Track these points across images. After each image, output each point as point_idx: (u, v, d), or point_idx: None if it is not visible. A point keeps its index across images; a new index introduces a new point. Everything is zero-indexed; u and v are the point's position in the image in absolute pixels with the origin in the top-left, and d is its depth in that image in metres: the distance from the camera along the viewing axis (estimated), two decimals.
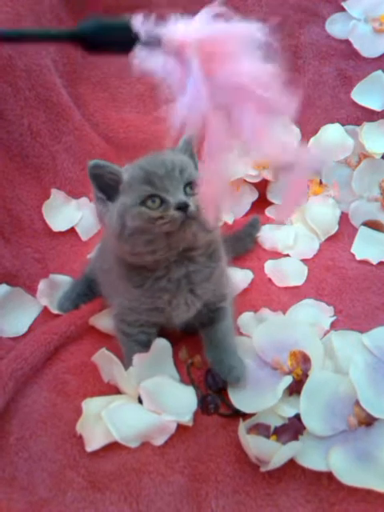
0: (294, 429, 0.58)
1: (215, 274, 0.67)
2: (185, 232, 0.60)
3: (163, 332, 0.71)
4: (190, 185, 0.61)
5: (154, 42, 0.39)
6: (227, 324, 0.71)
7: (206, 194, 0.48)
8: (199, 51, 0.39)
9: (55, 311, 0.82)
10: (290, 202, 0.53)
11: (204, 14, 0.40)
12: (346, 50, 1.02)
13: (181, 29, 0.39)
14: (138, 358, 0.67)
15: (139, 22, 0.39)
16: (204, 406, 0.64)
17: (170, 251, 0.62)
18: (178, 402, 0.65)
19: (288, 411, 0.61)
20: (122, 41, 0.39)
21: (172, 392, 0.65)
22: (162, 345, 0.69)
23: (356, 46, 1.02)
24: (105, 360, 0.69)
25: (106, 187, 0.62)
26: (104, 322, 0.78)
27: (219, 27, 0.39)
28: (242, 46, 0.39)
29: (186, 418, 0.63)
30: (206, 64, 0.39)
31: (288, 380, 0.63)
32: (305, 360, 0.64)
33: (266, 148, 0.44)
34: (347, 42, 1.02)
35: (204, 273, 0.66)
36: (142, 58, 0.39)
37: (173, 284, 0.65)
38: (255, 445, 0.57)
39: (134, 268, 0.65)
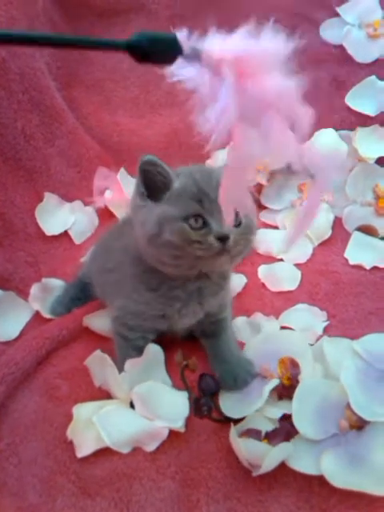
0: (285, 433, 0.58)
1: (223, 290, 0.68)
2: (215, 260, 0.60)
3: (159, 335, 0.71)
4: (236, 215, 0.60)
5: (195, 55, 0.43)
6: (229, 334, 0.72)
7: (226, 199, 0.50)
8: (233, 67, 0.43)
9: (47, 315, 0.82)
10: (303, 226, 0.54)
11: (241, 33, 0.43)
12: (340, 55, 1.03)
13: (218, 45, 0.43)
14: (130, 363, 0.67)
15: (183, 36, 0.43)
16: (197, 408, 0.64)
17: (193, 270, 0.62)
18: (170, 407, 0.64)
19: (276, 413, 0.61)
20: (168, 52, 0.43)
21: (164, 397, 0.65)
22: (154, 350, 0.69)
23: (350, 51, 1.02)
24: (98, 363, 0.69)
25: (152, 185, 0.60)
26: (99, 322, 0.77)
27: (253, 45, 0.43)
28: (270, 63, 0.43)
29: (178, 424, 0.62)
30: (238, 78, 0.43)
31: (274, 382, 0.63)
32: (293, 365, 0.64)
33: (288, 158, 0.47)
34: (341, 47, 1.03)
35: (214, 289, 0.66)
36: (178, 67, 0.43)
37: (186, 294, 0.65)
38: (247, 448, 0.56)
39: (151, 271, 0.64)
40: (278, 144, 0.45)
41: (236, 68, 0.42)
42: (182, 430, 0.63)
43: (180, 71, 0.43)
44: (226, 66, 0.42)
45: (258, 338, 0.72)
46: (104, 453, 0.62)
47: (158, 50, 0.43)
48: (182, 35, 0.42)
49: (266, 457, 0.54)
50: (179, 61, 0.43)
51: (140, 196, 0.61)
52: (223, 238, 0.58)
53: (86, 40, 0.46)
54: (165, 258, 0.60)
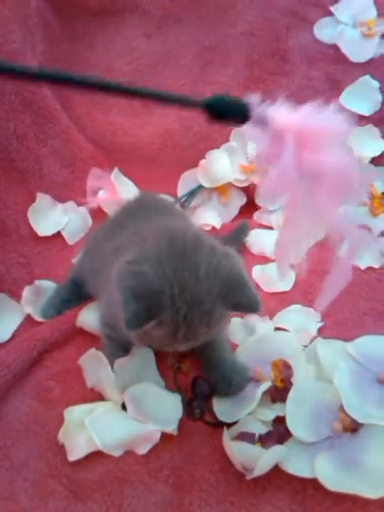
0: (278, 436, 0.58)
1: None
2: None
3: None
4: None
5: (262, 121, 0.47)
6: (222, 339, 0.69)
7: (281, 256, 0.55)
8: (296, 136, 0.46)
9: (39, 319, 0.81)
10: (335, 290, 0.59)
11: (307, 108, 0.48)
12: (334, 54, 1.02)
13: (284, 114, 0.47)
14: (118, 364, 0.66)
15: (255, 101, 0.47)
16: (189, 411, 0.63)
17: None
18: (163, 410, 0.64)
19: (269, 414, 0.61)
20: (239, 114, 0.48)
21: (157, 400, 0.65)
22: (143, 351, 0.68)
23: (344, 50, 1.02)
24: (92, 362, 0.68)
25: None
26: (92, 321, 0.76)
27: (316, 121, 0.47)
28: (331, 138, 0.47)
29: (171, 427, 0.62)
30: (298, 147, 0.47)
31: (267, 384, 0.62)
32: (286, 368, 0.64)
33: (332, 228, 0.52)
34: (335, 47, 1.02)
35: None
36: (248, 130, 0.48)
37: None
38: (240, 451, 0.56)
39: None
40: (325, 213, 0.49)
41: (298, 139, 0.46)
42: (175, 432, 0.62)
43: (249, 132, 0.48)
44: (287, 134, 0.46)
45: (251, 340, 0.72)
46: (96, 456, 0.61)
47: (231, 112, 0.48)
48: (253, 99, 0.47)
49: (259, 460, 0.54)
50: (250, 124, 0.47)
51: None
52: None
53: (164, 95, 0.50)
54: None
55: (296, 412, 0.59)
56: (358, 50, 1.01)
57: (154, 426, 0.62)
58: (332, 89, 1.01)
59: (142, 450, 0.62)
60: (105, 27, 1.06)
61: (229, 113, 0.48)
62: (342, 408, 0.58)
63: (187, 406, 0.64)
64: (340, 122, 0.48)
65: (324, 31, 1.03)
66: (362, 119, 1.00)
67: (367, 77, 1.00)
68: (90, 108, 1.03)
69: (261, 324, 0.76)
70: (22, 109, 0.94)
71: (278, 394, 0.63)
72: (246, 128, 0.48)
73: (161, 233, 0.61)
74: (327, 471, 0.54)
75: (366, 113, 0.99)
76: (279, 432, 0.59)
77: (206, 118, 0.48)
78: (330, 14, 1.04)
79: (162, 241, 0.59)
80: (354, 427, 0.57)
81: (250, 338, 0.72)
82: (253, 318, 0.78)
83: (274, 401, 0.63)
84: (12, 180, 0.95)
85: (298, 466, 0.56)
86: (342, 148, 0.48)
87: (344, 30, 1.02)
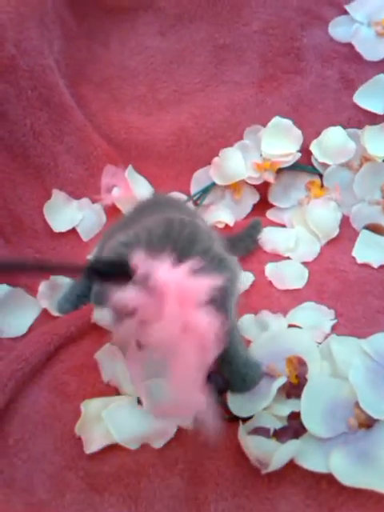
0: (293, 431, 0.58)
1: None
2: None
3: None
4: None
5: (144, 280, 0.47)
6: (235, 335, 0.69)
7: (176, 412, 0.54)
8: (174, 294, 0.48)
9: (55, 313, 0.82)
10: None
11: (185, 267, 0.49)
12: (348, 53, 1.02)
13: (165, 272, 0.48)
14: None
15: (139, 260, 0.48)
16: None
17: None
18: None
19: (285, 410, 0.61)
20: (122, 276, 0.48)
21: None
22: None
23: (359, 49, 1.01)
24: (107, 357, 0.69)
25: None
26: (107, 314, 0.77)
27: (192, 280, 0.48)
28: (202, 297, 0.48)
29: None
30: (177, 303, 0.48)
31: (282, 380, 0.63)
32: (301, 364, 0.64)
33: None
34: (350, 45, 1.02)
35: None
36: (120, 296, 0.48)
37: None
38: (255, 446, 0.57)
39: None
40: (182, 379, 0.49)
41: (177, 294, 0.47)
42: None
43: (122, 294, 0.47)
44: (168, 290, 0.47)
45: (265, 336, 0.72)
46: (112, 449, 0.62)
47: (113, 273, 0.49)
48: (138, 258, 0.48)
49: (274, 454, 0.54)
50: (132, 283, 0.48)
51: None
52: None
53: (45, 265, 0.52)
54: None
55: (311, 408, 0.60)
56: (372, 49, 1.01)
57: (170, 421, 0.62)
58: (346, 88, 1.01)
59: (158, 443, 0.63)
60: (120, 25, 1.06)
61: (111, 275, 0.49)
62: (357, 404, 0.58)
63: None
64: (208, 283, 0.49)
65: (339, 30, 1.03)
66: (376, 118, 1.00)
67: (381, 76, 1.00)
68: (104, 105, 1.04)
69: (274, 321, 0.77)
70: (39, 105, 0.94)
71: (293, 389, 0.63)
72: (127, 288, 0.47)
73: (160, 221, 0.62)
74: (342, 466, 0.55)
75: (380, 111, 0.99)
76: (294, 427, 0.59)
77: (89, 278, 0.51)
78: (345, 12, 1.03)
79: (158, 228, 0.59)
80: (369, 423, 0.57)
81: (263, 335, 0.73)
82: (266, 315, 0.78)
83: (288, 396, 0.63)
84: (28, 176, 0.95)
85: (312, 461, 0.56)
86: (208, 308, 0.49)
87: (359, 28, 1.02)
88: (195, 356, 0.48)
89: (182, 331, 0.47)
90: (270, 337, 0.72)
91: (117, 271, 0.49)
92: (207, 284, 0.48)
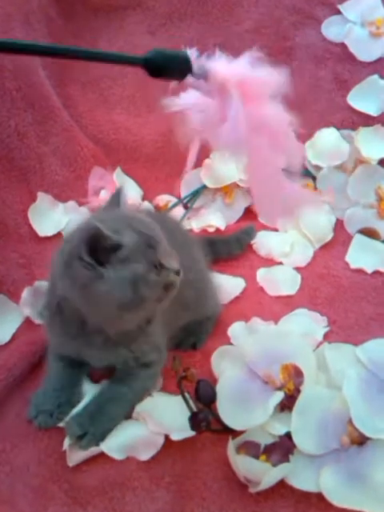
0: (284, 448, 0.57)
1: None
2: (166, 299, 0.59)
3: None
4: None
5: (202, 74, 0.48)
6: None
7: (260, 200, 0.56)
8: (237, 88, 0.47)
9: (37, 321, 0.80)
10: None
11: (245, 58, 0.48)
12: (341, 53, 1.01)
13: (224, 67, 0.48)
14: None
15: (193, 55, 0.48)
16: (195, 424, 0.62)
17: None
18: (168, 417, 0.63)
19: (279, 429, 0.59)
20: (180, 69, 0.48)
21: (163, 406, 0.64)
22: None
23: (352, 49, 1.01)
24: None
25: (101, 251, 0.55)
26: None
27: (254, 71, 0.48)
28: (268, 91, 0.48)
29: (177, 435, 0.60)
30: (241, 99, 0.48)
31: (279, 396, 0.61)
32: (297, 374, 0.62)
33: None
34: (343, 46, 1.01)
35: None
36: (174, 100, 0.48)
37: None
38: (244, 465, 0.55)
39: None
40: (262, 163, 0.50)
41: (239, 90, 0.47)
42: (178, 438, 0.61)
43: (181, 100, 0.48)
44: (230, 86, 0.47)
45: (258, 338, 0.70)
46: (97, 461, 0.61)
47: (172, 66, 0.48)
48: (191, 54, 0.48)
49: (264, 476, 0.53)
50: (190, 78, 0.48)
51: (87, 268, 0.55)
52: (178, 272, 0.59)
53: (103, 53, 0.52)
54: (138, 318, 0.60)
55: (302, 424, 0.58)
56: (366, 49, 1.00)
57: (158, 431, 0.61)
58: (340, 88, 1.00)
59: (144, 455, 0.61)
60: (108, 24, 1.04)
61: (170, 68, 0.48)
62: (350, 421, 0.57)
63: (193, 418, 0.62)
64: (274, 74, 0.49)
65: (331, 29, 1.02)
66: (369, 119, 0.99)
67: (375, 76, 0.99)
68: (92, 106, 1.02)
69: (265, 328, 0.75)
70: (23, 106, 0.92)
71: (287, 401, 0.61)
72: (189, 79, 0.48)
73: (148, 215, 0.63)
74: (333, 486, 0.54)
75: (374, 113, 0.98)
76: (286, 444, 0.57)
77: (148, 74, 0.48)
78: (338, 12, 1.03)
79: (143, 216, 0.61)
80: (361, 440, 0.56)
81: (255, 336, 0.72)
82: (257, 322, 0.77)
83: (282, 409, 0.62)
84: (12, 179, 0.93)
85: (302, 480, 0.55)
86: (276, 100, 0.49)
87: (352, 28, 1.01)
88: (270, 153, 0.49)
89: (251, 130, 0.46)
90: (264, 339, 0.70)
91: (173, 65, 0.48)
92: (271, 75, 0.47)
